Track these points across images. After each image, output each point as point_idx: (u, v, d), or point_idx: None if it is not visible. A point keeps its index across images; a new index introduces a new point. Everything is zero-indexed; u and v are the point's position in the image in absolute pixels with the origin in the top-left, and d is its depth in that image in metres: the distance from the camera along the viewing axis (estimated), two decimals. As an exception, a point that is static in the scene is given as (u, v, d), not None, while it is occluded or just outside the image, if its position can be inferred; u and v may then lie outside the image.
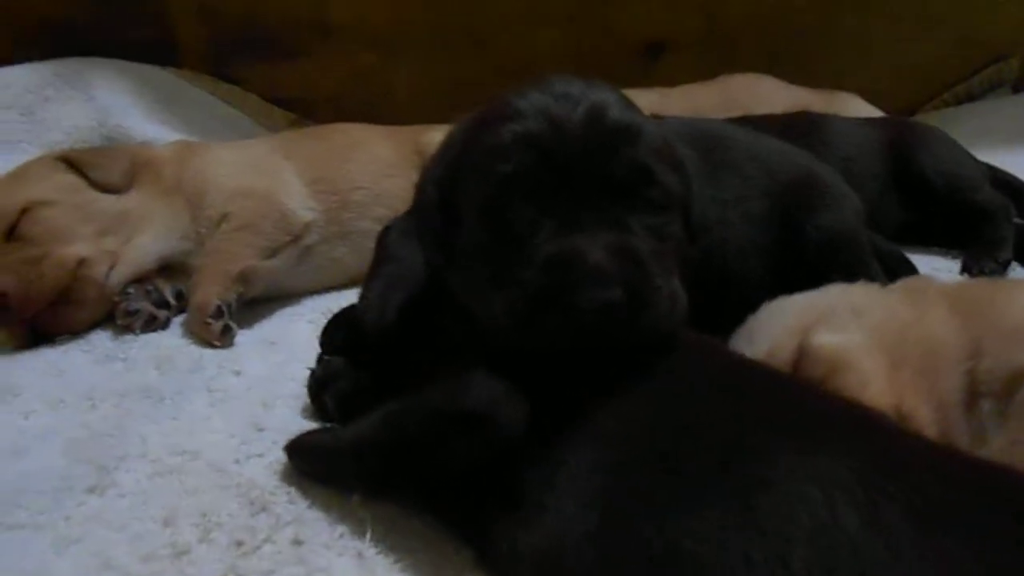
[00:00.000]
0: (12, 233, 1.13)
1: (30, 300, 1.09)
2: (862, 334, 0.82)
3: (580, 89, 0.76)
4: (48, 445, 0.91)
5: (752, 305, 0.97)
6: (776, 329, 0.87)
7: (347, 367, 0.93)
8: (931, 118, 2.34)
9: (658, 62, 2.16)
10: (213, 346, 1.13)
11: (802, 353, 0.82)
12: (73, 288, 1.13)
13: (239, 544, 0.73)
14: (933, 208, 1.49)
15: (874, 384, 0.77)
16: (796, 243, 1.06)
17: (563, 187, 0.71)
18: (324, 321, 1.22)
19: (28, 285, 1.09)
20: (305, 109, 2.01)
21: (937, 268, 1.38)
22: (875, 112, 1.95)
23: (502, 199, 0.73)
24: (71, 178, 1.20)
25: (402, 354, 0.87)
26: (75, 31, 1.80)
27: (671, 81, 2.04)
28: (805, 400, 0.66)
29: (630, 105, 0.78)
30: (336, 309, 1.27)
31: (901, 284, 0.93)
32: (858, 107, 1.94)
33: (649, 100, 1.95)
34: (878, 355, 0.81)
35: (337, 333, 1.02)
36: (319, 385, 0.92)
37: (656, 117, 1.71)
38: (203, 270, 1.20)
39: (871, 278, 1.07)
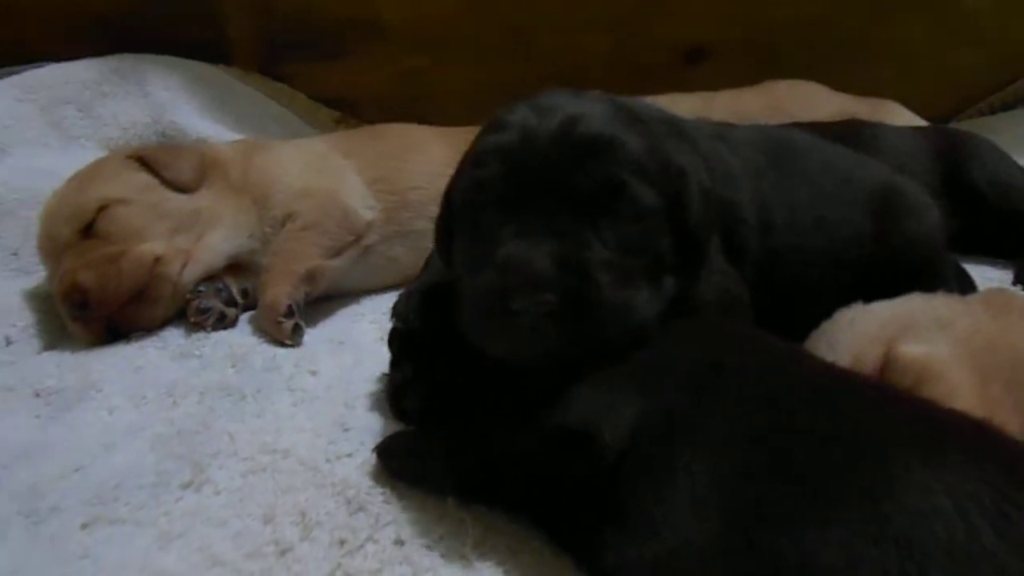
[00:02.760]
0: (89, 230, 1.15)
1: (109, 297, 1.11)
2: (949, 345, 0.83)
3: (565, 102, 0.79)
4: (137, 441, 0.93)
5: (824, 311, 0.98)
6: (859, 338, 0.87)
7: (422, 372, 0.94)
8: (969, 126, 2.34)
9: (699, 68, 2.16)
10: (284, 344, 1.15)
11: (888, 363, 0.83)
12: (149, 285, 1.15)
13: (342, 543, 0.75)
14: (983, 218, 1.50)
15: (963, 396, 0.78)
16: (877, 252, 1.06)
17: (528, 196, 0.74)
18: (385, 321, 1.25)
19: (107, 282, 1.11)
20: (351, 108, 2.02)
21: (988, 278, 1.39)
22: (918, 120, 1.96)
23: (475, 204, 0.78)
24: (144, 177, 1.22)
25: (469, 359, 0.89)
26: (130, 28, 1.82)
27: (711, 87, 2.04)
28: (918, 410, 0.66)
29: (618, 118, 0.79)
30: (396, 309, 1.30)
31: (982, 296, 0.95)
32: (902, 115, 1.94)
33: (692, 104, 1.96)
34: (965, 367, 0.81)
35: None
36: (397, 390, 0.94)
37: (703, 120, 1.73)
38: (271, 269, 1.22)
39: (949, 289, 1.08)
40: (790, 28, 2.18)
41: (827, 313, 0.98)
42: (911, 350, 0.83)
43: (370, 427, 0.92)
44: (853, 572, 0.50)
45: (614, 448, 0.65)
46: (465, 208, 0.80)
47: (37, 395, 1.03)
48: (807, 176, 1.10)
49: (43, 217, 1.19)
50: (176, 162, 1.24)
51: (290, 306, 1.15)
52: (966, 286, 1.29)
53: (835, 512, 0.53)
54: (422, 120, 1.80)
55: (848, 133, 1.59)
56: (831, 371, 0.74)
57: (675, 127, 0.98)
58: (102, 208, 1.15)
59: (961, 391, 0.79)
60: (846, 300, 0.98)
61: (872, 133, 1.58)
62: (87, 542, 0.77)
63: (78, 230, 1.15)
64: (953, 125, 2.40)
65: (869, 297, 0.98)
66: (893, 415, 0.63)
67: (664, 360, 0.72)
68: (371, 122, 2.01)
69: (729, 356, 0.72)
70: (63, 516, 0.81)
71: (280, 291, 1.16)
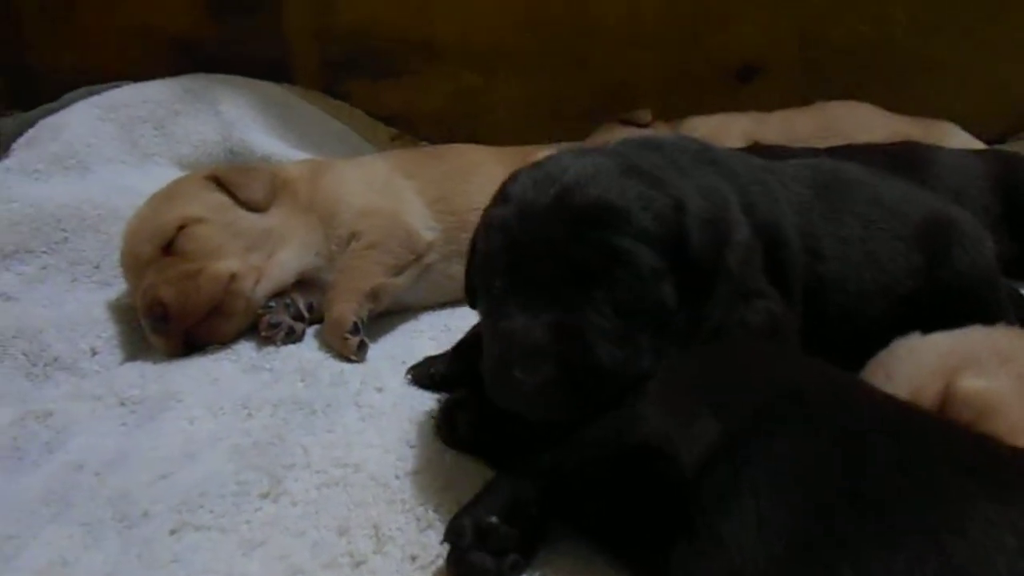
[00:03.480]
0: (169, 248, 1.22)
1: (188, 311, 1.18)
2: (1010, 380, 0.84)
3: (566, 166, 0.85)
4: (216, 451, 0.99)
5: (878, 341, 0.99)
6: (919, 370, 0.88)
7: (473, 396, 0.97)
8: (1020, 147, 2.32)
9: (750, 85, 2.18)
10: (349, 360, 1.20)
11: (948, 397, 0.83)
12: (224, 301, 1.21)
13: (413, 559, 0.79)
14: (1042, 243, 1.49)
15: (1022, 433, 0.79)
16: (929, 285, 1.07)
17: (529, 268, 0.81)
18: (444, 338, 1.30)
19: (186, 298, 1.17)
20: (407, 125, 2.09)
21: (1048, 306, 1.38)
22: (973, 141, 1.94)
23: (484, 273, 0.87)
24: (220, 197, 1.29)
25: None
26: (201, 50, 1.91)
27: (763, 104, 2.06)
28: (984, 445, 0.67)
29: (617, 178, 0.83)
30: (452, 327, 1.35)
31: (1044, 330, 0.95)
32: (957, 136, 1.93)
33: (745, 125, 1.99)
34: None
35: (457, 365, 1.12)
36: (451, 408, 0.98)
37: (758, 146, 1.75)
38: (336, 287, 1.27)
39: (1006, 319, 1.08)
40: (843, 46, 2.18)
41: (880, 342, 0.99)
42: (972, 384, 0.84)
43: (435, 445, 0.96)
44: None
45: (690, 468, 0.68)
46: (477, 274, 0.89)
47: (122, 404, 1.10)
48: (856, 211, 1.12)
49: (127, 235, 1.26)
50: (250, 183, 1.30)
51: (356, 323, 1.20)
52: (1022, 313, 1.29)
53: (899, 542, 0.55)
54: (476, 137, 1.86)
55: (903, 156, 1.59)
56: (895, 403, 0.76)
57: (706, 158, 1.02)
58: (182, 227, 1.22)
59: (1021, 426, 0.80)
60: (900, 330, 1.00)
61: (928, 156, 1.59)
62: (176, 548, 0.83)
63: (159, 247, 1.22)
64: (1008, 145, 2.38)
65: (924, 327, 0.99)
66: (958, 449, 0.65)
67: (738, 384, 0.75)
68: (427, 139, 2.08)
69: (800, 384, 0.74)
70: (153, 522, 0.86)
71: (346, 308, 1.22)
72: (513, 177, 0.90)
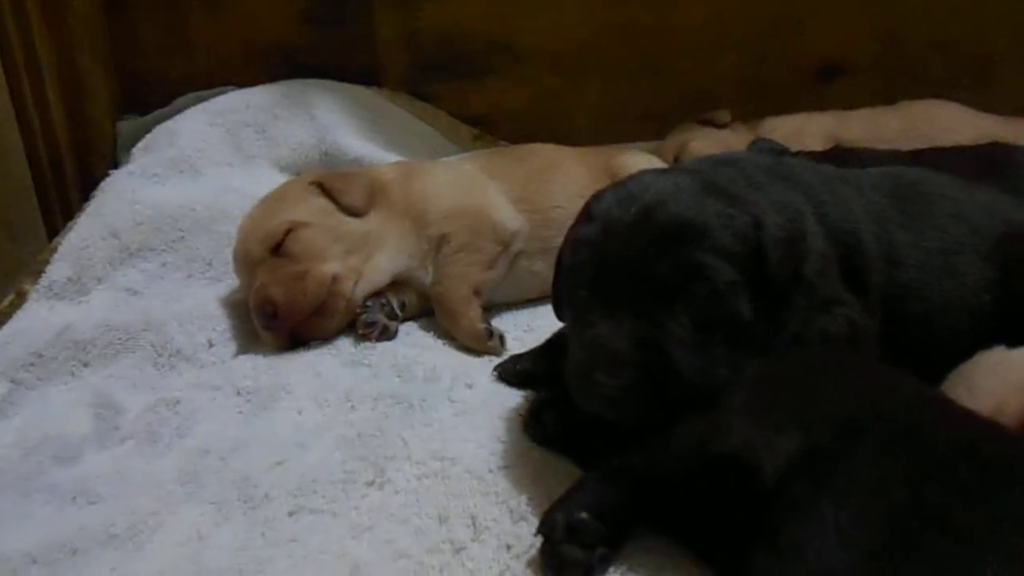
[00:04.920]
0: (278, 249, 1.32)
1: (295, 310, 1.27)
2: None
3: (648, 185, 0.91)
4: (324, 440, 1.07)
5: (958, 352, 1.01)
6: (1002, 384, 0.89)
7: (561, 394, 1.03)
8: None
9: (832, 85, 2.16)
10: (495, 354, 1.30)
11: None
12: (328, 301, 1.30)
13: (508, 547, 0.85)
14: None
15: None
16: (1008, 299, 1.07)
17: (613, 281, 0.87)
18: (527, 338, 1.37)
19: (293, 298, 1.27)
20: (490, 126, 2.15)
21: None
22: (1068, 141, 1.89)
23: (571, 285, 0.94)
24: (324, 202, 1.38)
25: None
26: (297, 55, 2.02)
27: (846, 105, 2.04)
28: None
29: (696, 196, 0.89)
30: (535, 326, 1.41)
31: None
32: (1051, 136, 1.87)
33: (826, 124, 1.98)
34: None
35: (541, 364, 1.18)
36: (539, 407, 1.05)
37: (839, 148, 1.74)
38: (445, 299, 1.36)
39: None
40: (929, 44, 2.13)
41: (961, 354, 1.00)
42: None
43: (524, 442, 1.03)
44: None
45: (772, 479, 0.72)
46: (565, 287, 0.97)
47: (239, 393, 1.20)
48: (936, 223, 1.12)
49: (239, 235, 1.37)
50: (351, 188, 1.39)
51: (486, 329, 1.29)
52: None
53: (978, 559, 0.57)
54: (556, 137, 1.91)
55: (988, 158, 1.57)
56: (976, 419, 0.78)
57: (779, 172, 1.06)
58: (289, 230, 1.31)
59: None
60: (981, 343, 1.01)
61: (1014, 159, 1.55)
62: (294, 528, 0.92)
63: (269, 249, 1.31)
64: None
65: (1006, 342, 1.00)
66: None
67: (821, 397, 0.79)
68: (508, 139, 2.14)
69: (881, 398, 0.78)
70: (273, 504, 0.96)
71: (470, 320, 1.31)
72: (598, 196, 0.97)
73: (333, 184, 1.38)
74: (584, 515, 0.81)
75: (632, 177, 1.01)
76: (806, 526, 0.68)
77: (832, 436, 0.73)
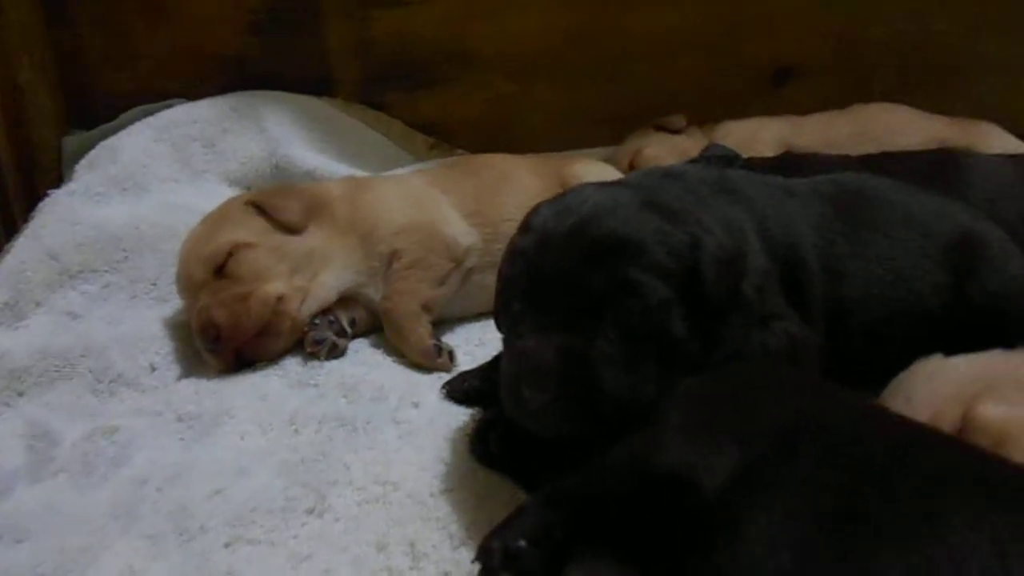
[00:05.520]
0: (221, 271, 1.29)
1: (239, 332, 1.25)
2: None
3: (587, 198, 0.92)
4: (266, 466, 1.05)
5: (902, 361, 1.01)
6: (938, 395, 0.90)
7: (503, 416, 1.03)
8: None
9: (785, 88, 2.17)
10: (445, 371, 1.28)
11: (967, 424, 0.86)
12: (272, 322, 1.28)
13: (447, 575, 0.85)
14: (1083, 253, 1.46)
15: (1043, 460, 0.81)
16: (956, 305, 1.08)
17: (544, 293, 0.87)
18: (478, 352, 1.35)
19: (237, 319, 1.25)
20: (444, 133, 2.13)
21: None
22: (1015, 142, 1.91)
23: (506, 296, 0.94)
24: (262, 221, 1.36)
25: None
26: (247, 66, 1.98)
27: (800, 108, 2.05)
28: (981, 460, 0.70)
29: (634, 211, 0.89)
30: (486, 340, 1.40)
31: (1065, 354, 0.95)
32: (999, 138, 1.89)
33: (780, 129, 1.99)
34: None
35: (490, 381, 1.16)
36: (485, 427, 1.03)
37: (791, 154, 1.75)
38: (393, 316, 1.34)
39: None
40: (883, 47, 2.15)
41: (905, 362, 1.01)
42: (990, 412, 0.85)
43: (468, 464, 1.02)
44: None
45: (711, 495, 0.71)
46: (500, 297, 0.96)
47: (180, 419, 1.17)
48: (883, 228, 1.13)
49: (181, 258, 1.34)
50: (286, 205, 1.37)
51: (435, 345, 1.28)
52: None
53: (890, 554, 0.58)
54: (512, 143, 1.90)
55: (937, 163, 1.58)
56: (907, 424, 0.79)
57: (724, 186, 1.06)
58: (232, 252, 1.29)
59: (1040, 454, 0.81)
60: (925, 351, 1.01)
61: (962, 163, 1.57)
62: (230, 560, 0.90)
63: (212, 271, 1.29)
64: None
65: (952, 347, 1.00)
66: (959, 465, 0.68)
67: (758, 412, 0.78)
68: (464, 147, 2.12)
69: (816, 410, 0.78)
70: (209, 535, 0.93)
71: (419, 337, 1.30)
72: (536, 209, 0.97)
73: (268, 202, 1.36)
74: (522, 543, 0.80)
75: (573, 189, 1.01)
76: (742, 539, 0.68)
77: (769, 449, 0.73)
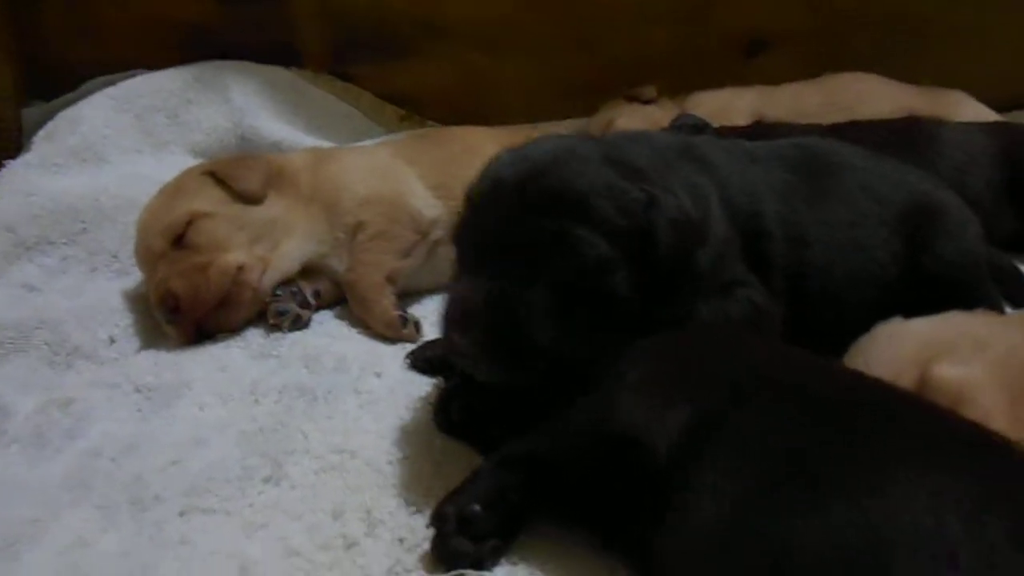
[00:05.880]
0: (180, 241, 1.27)
1: (198, 303, 1.23)
2: (984, 368, 0.86)
3: (544, 151, 0.90)
4: (224, 437, 1.04)
5: (862, 326, 1.01)
6: (896, 357, 0.91)
7: (467, 383, 1.01)
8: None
9: (758, 59, 2.15)
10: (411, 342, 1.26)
11: (924, 384, 0.86)
12: (233, 292, 1.26)
13: (401, 541, 0.84)
14: (1049, 220, 1.47)
15: (994, 419, 0.80)
16: (913, 272, 1.09)
17: (488, 241, 0.87)
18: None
19: (196, 290, 1.23)
20: (415, 105, 2.11)
21: (1051, 283, 1.38)
22: (985, 111, 1.90)
23: (456, 240, 0.94)
24: (220, 191, 1.33)
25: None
26: (212, 36, 1.94)
27: (773, 79, 2.04)
28: (931, 417, 0.71)
29: (588, 166, 0.87)
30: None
31: (1021, 316, 0.96)
32: (969, 106, 1.89)
33: (751, 100, 1.97)
34: (999, 390, 0.84)
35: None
36: (447, 396, 1.02)
37: (761, 124, 1.74)
38: (357, 287, 1.32)
39: (992, 306, 1.09)
40: (856, 17, 2.13)
41: (865, 327, 1.01)
42: (946, 372, 0.86)
43: (427, 431, 1.01)
44: (834, 555, 0.55)
45: (664, 454, 0.71)
46: (453, 242, 0.95)
47: (138, 391, 1.16)
48: (844, 195, 1.13)
49: (139, 229, 1.32)
50: (244, 174, 1.34)
51: (400, 316, 1.27)
52: (1022, 290, 1.29)
53: (828, 504, 0.58)
54: (484, 115, 1.88)
55: (905, 132, 1.58)
56: (860, 379, 0.79)
57: (689, 153, 1.05)
58: (190, 222, 1.27)
59: (993, 415, 0.82)
60: (884, 316, 1.01)
61: (931, 132, 1.57)
62: (184, 529, 0.89)
63: (170, 241, 1.27)
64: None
65: (910, 313, 1.01)
66: (904, 418, 0.69)
67: (711, 370, 0.78)
68: (435, 118, 2.09)
69: (768, 366, 0.79)
70: (164, 505, 0.92)
71: (383, 308, 1.28)
72: (497, 156, 0.95)
73: (226, 171, 1.34)
74: (476, 507, 0.80)
75: (540, 138, 0.99)
76: (691, 495, 0.68)
77: (719, 402, 0.72)
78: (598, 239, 0.83)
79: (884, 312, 1.02)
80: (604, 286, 0.84)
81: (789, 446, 0.65)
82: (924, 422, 0.69)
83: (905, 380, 0.88)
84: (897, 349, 0.93)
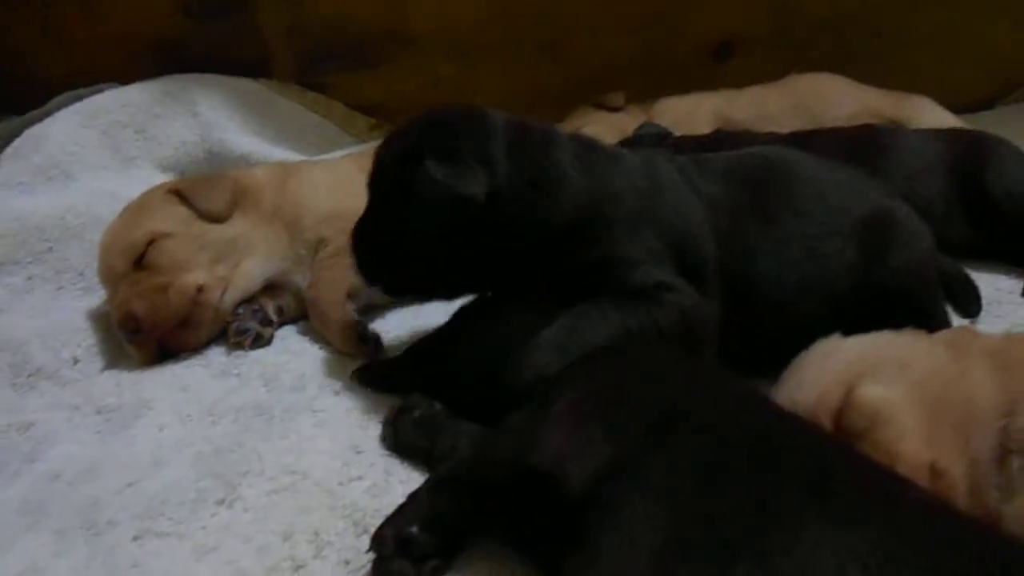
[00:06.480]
0: (141, 261, 1.29)
1: (159, 323, 1.25)
2: (905, 388, 0.87)
3: (410, 125, 1.08)
4: (181, 458, 1.06)
5: (815, 336, 1.03)
6: (825, 376, 0.92)
7: (423, 399, 1.04)
8: (1011, 111, 2.30)
9: (727, 63, 2.17)
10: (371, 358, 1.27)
11: (846, 403, 0.88)
12: (193, 312, 1.28)
13: (346, 563, 0.86)
14: (998, 228, 1.49)
15: (910, 440, 0.82)
16: (864, 283, 1.10)
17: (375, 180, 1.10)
18: (407, 338, 1.36)
19: (157, 310, 1.25)
20: (386, 115, 2.12)
21: (999, 288, 1.40)
22: (947, 115, 1.92)
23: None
24: (184, 210, 1.35)
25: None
26: (180, 50, 1.95)
27: (741, 83, 2.06)
28: (840, 463, 0.71)
29: (449, 139, 1.02)
30: (417, 327, 1.40)
31: (947, 336, 0.97)
32: (930, 110, 1.91)
33: (716, 103, 1.99)
34: (918, 410, 0.85)
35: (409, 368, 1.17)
36: (396, 413, 1.04)
37: (718, 135, 1.76)
38: (318, 303, 1.33)
39: (940, 319, 1.10)
40: (822, 20, 2.16)
41: (818, 337, 1.02)
42: (867, 392, 0.87)
43: (379, 451, 1.03)
44: None
45: (579, 490, 0.73)
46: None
47: (99, 412, 1.17)
48: (796, 205, 1.13)
49: (101, 249, 1.33)
50: (209, 193, 1.36)
51: (360, 333, 1.26)
52: (971, 299, 1.31)
53: (735, 561, 0.59)
54: (454, 125, 1.89)
55: (863, 140, 1.60)
56: (779, 419, 0.81)
57: (592, 153, 1.10)
58: (151, 242, 1.29)
59: (909, 435, 0.83)
60: (838, 326, 1.02)
61: (887, 141, 1.59)
62: (137, 553, 0.90)
63: (131, 261, 1.29)
64: (997, 110, 2.36)
65: (859, 326, 1.02)
66: (815, 470, 0.69)
67: (632, 404, 0.79)
68: (406, 128, 2.11)
69: (689, 403, 0.79)
70: (118, 529, 0.94)
71: (343, 324, 1.28)
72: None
73: (190, 191, 1.35)
74: (414, 529, 0.82)
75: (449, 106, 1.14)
76: (606, 533, 0.69)
77: (637, 444, 0.74)
78: (428, 187, 0.97)
79: (837, 324, 1.03)
80: (428, 226, 1.01)
81: (706, 497, 0.66)
82: (836, 472, 0.69)
83: (831, 399, 0.88)
84: (828, 367, 0.94)
